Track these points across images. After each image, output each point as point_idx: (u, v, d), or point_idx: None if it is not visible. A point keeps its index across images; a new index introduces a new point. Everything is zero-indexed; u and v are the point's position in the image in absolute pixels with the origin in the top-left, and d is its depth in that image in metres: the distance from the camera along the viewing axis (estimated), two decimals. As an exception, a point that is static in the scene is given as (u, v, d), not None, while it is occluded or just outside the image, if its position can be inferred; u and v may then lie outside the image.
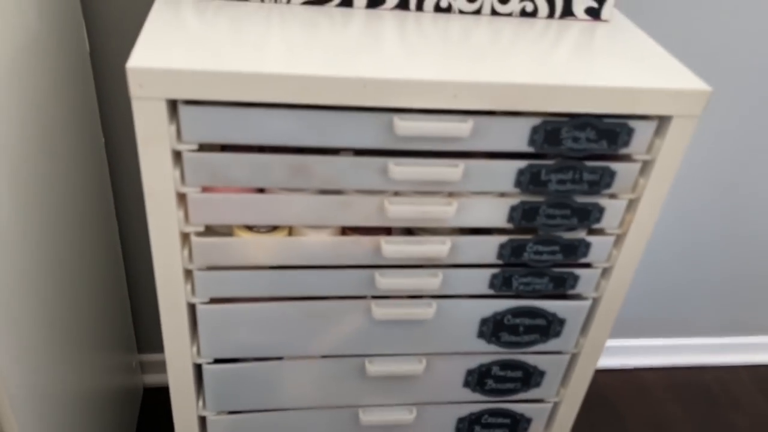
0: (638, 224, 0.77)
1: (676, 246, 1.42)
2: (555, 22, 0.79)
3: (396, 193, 0.72)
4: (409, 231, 0.79)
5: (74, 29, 0.89)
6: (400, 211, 0.70)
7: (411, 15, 0.77)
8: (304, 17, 0.73)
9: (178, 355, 0.79)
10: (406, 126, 0.64)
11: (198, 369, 0.82)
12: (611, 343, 1.57)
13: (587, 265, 0.81)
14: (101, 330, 1.03)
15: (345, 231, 0.76)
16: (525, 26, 0.77)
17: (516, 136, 0.68)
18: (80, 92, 0.91)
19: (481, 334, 0.84)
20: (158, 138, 0.62)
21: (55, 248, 0.82)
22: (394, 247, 0.73)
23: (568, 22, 0.80)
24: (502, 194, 0.73)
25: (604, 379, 1.57)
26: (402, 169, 0.67)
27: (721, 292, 1.53)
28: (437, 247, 0.74)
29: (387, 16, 0.76)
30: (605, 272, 0.82)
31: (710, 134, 1.24)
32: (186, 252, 0.71)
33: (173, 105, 0.62)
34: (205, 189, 0.68)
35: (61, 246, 0.84)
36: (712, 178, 1.31)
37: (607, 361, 1.59)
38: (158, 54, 0.60)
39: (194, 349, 0.79)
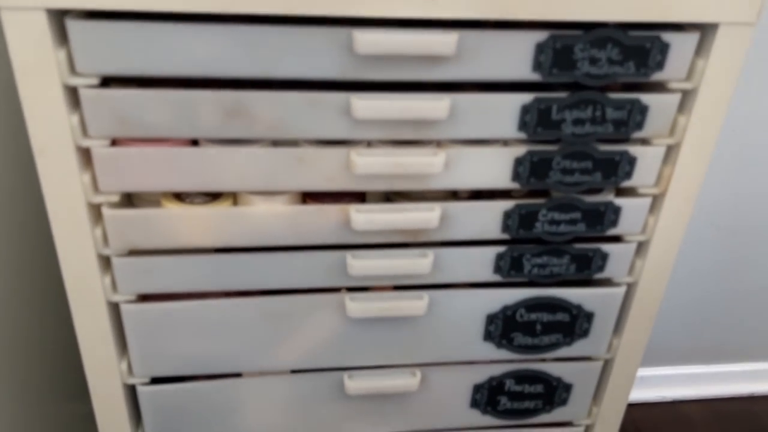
0: (680, 182, 0.60)
1: (714, 253, 1.24)
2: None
3: (369, 144, 0.56)
4: (387, 200, 0.63)
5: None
6: (370, 164, 0.54)
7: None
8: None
9: (102, 375, 0.62)
10: (368, 41, 0.49)
11: (132, 392, 0.65)
12: (646, 372, 1.39)
13: (618, 239, 0.64)
14: (45, 379, 0.86)
15: (305, 200, 0.60)
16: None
17: (516, 57, 0.52)
18: None
19: (488, 336, 0.67)
20: (42, 68, 0.47)
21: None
22: (366, 217, 0.56)
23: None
24: (504, 143, 0.57)
25: (640, 413, 1.39)
26: (368, 104, 0.52)
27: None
28: (423, 215, 0.57)
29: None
30: (641, 248, 0.64)
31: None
32: (99, 232, 0.55)
33: (60, 21, 0.47)
34: (115, 142, 0.53)
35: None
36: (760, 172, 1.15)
37: (642, 394, 1.40)
38: (37, -47, 0.46)
39: (124, 365, 0.62)
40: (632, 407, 1.39)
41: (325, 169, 0.55)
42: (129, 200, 0.61)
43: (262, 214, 0.57)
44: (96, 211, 0.55)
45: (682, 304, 1.31)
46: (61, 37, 0.48)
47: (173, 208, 0.56)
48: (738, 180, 1.15)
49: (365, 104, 0.51)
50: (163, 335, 0.61)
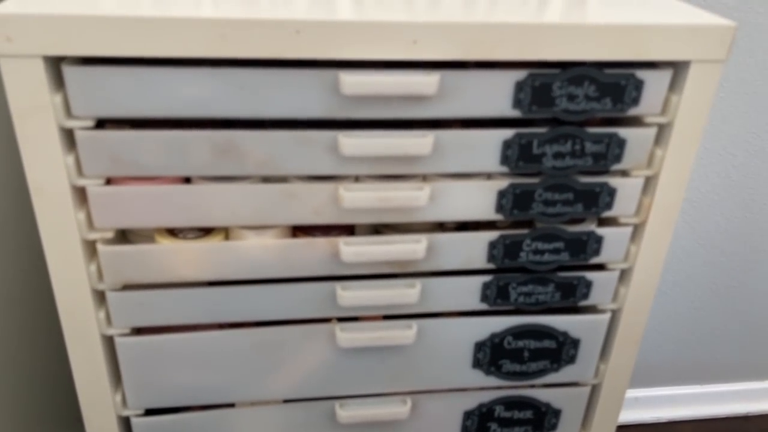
0: (659, 210, 0.62)
1: (706, 273, 1.26)
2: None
3: (356, 179, 0.58)
4: (376, 232, 0.64)
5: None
6: (357, 199, 0.56)
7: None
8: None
9: (97, 407, 0.63)
10: (354, 82, 0.51)
11: (126, 423, 0.66)
12: (640, 393, 1.39)
13: (601, 267, 0.65)
14: (40, 410, 0.86)
15: (295, 234, 0.61)
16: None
17: (496, 95, 0.54)
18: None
19: (477, 364, 0.68)
20: (39, 111, 0.49)
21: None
22: (355, 249, 0.58)
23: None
24: (488, 176, 0.59)
25: (634, 435, 1.38)
26: (354, 142, 0.53)
27: (764, 327, 1.35)
28: (410, 247, 0.59)
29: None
30: (624, 275, 0.66)
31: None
32: (94, 267, 0.57)
33: (56, 66, 0.49)
34: (110, 181, 0.55)
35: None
36: (749, 184, 1.17)
37: (637, 415, 1.40)
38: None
39: (118, 397, 0.63)
40: (627, 429, 1.39)
41: (314, 204, 0.57)
42: (123, 236, 0.62)
43: (253, 248, 0.58)
44: (91, 248, 0.56)
45: (675, 324, 1.32)
46: (58, 82, 0.50)
47: (166, 244, 0.58)
48: (728, 201, 1.17)
49: (352, 142, 0.53)
50: (157, 367, 0.62)
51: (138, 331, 0.62)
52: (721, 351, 1.38)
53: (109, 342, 0.61)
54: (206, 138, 0.53)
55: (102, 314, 0.59)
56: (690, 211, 1.17)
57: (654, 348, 1.35)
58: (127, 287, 0.59)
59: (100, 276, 0.57)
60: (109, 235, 0.56)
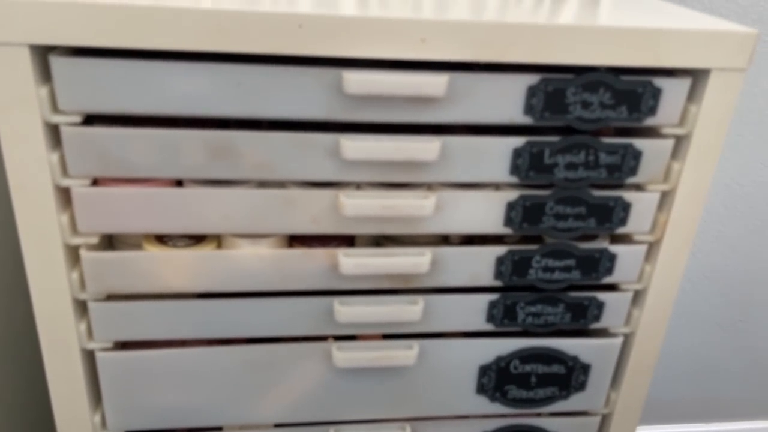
0: (676, 228, 0.59)
1: (710, 304, 1.22)
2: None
3: (358, 187, 0.55)
4: (377, 245, 0.61)
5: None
6: (359, 206, 0.53)
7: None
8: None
9: (73, 427, 0.59)
10: (358, 80, 0.48)
11: (105, 447, 0.62)
12: (646, 431, 1.34)
13: (613, 287, 0.62)
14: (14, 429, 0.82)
15: (292, 244, 0.58)
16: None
17: (507, 100, 0.52)
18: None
19: (481, 389, 0.64)
20: (23, 104, 0.46)
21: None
22: (355, 261, 0.55)
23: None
24: (496, 187, 0.56)
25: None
26: (357, 145, 0.51)
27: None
28: (414, 260, 0.56)
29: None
30: (637, 297, 0.63)
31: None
32: (76, 275, 0.53)
33: (43, 57, 0.47)
34: (96, 182, 0.51)
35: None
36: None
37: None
38: (23, -11, 0.46)
39: (97, 417, 0.59)
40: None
41: (312, 212, 0.54)
42: (110, 242, 0.59)
43: (247, 258, 0.55)
44: (73, 253, 0.53)
45: (678, 359, 1.29)
46: (44, 73, 0.47)
47: (154, 251, 0.54)
48: (734, 233, 1.14)
49: (354, 145, 0.50)
50: (140, 386, 0.58)
51: (121, 345, 0.58)
52: (725, 388, 1.34)
53: (89, 357, 0.57)
54: (200, 138, 0.50)
55: (83, 326, 0.55)
56: (695, 242, 1.14)
57: (655, 384, 1.31)
58: (111, 297, 0.55)
59: (82, 284, 0.54)
60: (94, 240, 0.52)
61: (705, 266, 1.17)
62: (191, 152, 0.50)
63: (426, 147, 0.51)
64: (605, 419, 0.68)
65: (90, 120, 0.49)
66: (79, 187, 0.50)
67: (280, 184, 0.54)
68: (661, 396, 1.32)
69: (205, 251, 0.55)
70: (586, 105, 0.53)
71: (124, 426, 0.60)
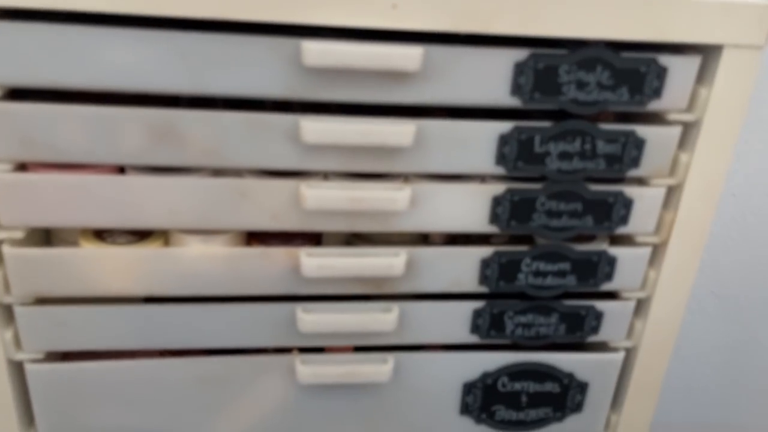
0: (684, 229, 0.52)
1: (717, 322, 1.16)
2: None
3: (325, 177, 0.48)
4: (347, 245, 0.54)
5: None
6: (323, 198, 0.46)
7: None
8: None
9: (2, 450, 0.52)
10: (318, 51, 0.42)
11: (39, 473, 0.55)
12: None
13: (613, 295, 0.55)
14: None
15: (250, 242, 0.52)
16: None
17: (492, 78, 0.45)
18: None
19: (465, 409, 0.57)
20: (-68, 73, 0.40)
21: None
22: (319, 261, 0.48)
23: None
24: (481, 179, 0.50)
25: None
26: (319, 127, 0.44)
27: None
28: (387, 261, 0.49)
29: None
30: (641, 307, 0.56)
31: None
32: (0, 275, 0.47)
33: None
34: (22, 167, 0.45)
35: None
36: None
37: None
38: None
39: (30, 439, 0.52)
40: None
41: (271, 205, 0.47)
42: (47, 239, 0.52)
43: (197, 258, 0.48)
44: (-3, 251, 0.47)
45: (684, 381, 1.22)
46: (-43, 39, 0.41)
47: (91, 249, 0.48)
48: (744, 246, 1.08)
49: (316, 127, 0.44)
50: (78, 403, 0.52)
51: (61, 356, 0.52)
52: (735, 412, 1.27)
53: (18, 369, 0.50)
54: (140, 117, 0.44)
55: (9, 334, 0.48)
56: (702, 256, 1.08)
57: (662, 406, 1.24)
58: (42, 301, 0.49)
59: (6, 286, 0.47)
60: (19, 234, 0.46)
61: (711, 281, 1.11)
62: (130, 134, 0.44)
63: (398, 131, 0.45)
64: (605, 445, 0.62)
65: (13, 95, 0.43)
66: (0, 173, 0.44)
67: (237, 173, 0.48)
68: (669, 420, 1.25)
69: (150, 249, 0.48)
70: (581, 85, 0.46)
71: (61, 449, 0.53)
